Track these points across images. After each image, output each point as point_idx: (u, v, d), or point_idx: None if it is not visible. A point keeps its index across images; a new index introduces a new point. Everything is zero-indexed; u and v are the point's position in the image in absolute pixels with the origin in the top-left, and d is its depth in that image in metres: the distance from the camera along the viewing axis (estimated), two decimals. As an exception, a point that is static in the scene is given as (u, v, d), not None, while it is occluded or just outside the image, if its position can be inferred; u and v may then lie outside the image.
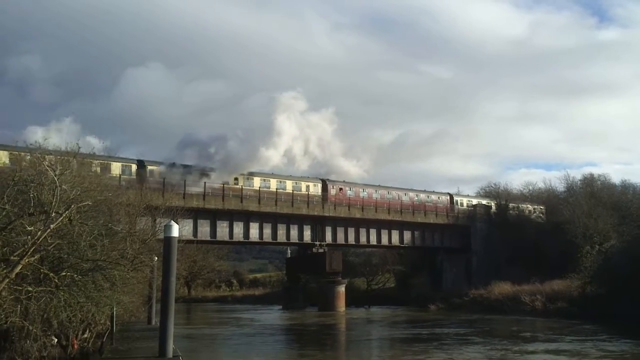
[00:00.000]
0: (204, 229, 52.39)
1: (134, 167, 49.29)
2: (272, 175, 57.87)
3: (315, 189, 59.91)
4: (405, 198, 66.60)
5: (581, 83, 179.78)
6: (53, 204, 13.71)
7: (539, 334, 33.85)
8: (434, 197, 70.03)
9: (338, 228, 61.72)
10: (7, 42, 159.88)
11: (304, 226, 59.41)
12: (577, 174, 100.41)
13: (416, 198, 67.84)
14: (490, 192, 79.46)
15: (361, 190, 63.36)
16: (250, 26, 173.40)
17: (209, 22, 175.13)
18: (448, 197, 71.75)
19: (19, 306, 13.92)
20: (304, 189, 58.72)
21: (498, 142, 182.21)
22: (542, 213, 72.39)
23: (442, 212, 68.28)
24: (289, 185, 57.74)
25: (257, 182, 55.43)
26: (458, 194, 73.77)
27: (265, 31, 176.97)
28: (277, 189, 56.04)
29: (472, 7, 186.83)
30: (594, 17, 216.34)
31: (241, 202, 52.64)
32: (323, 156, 65.57)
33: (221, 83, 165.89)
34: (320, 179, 61.78)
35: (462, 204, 71.36)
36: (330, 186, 61.14)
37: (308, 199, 57.46)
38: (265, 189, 55.31)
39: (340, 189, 61.65)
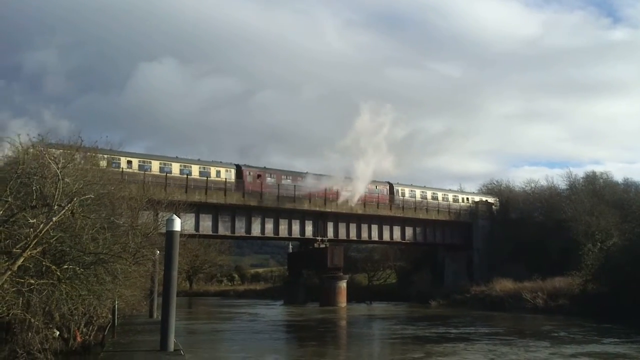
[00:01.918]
0: (206, 224, 52.50)
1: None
2: (176, 159, 51.62)
3: (228, 174, 53.64)
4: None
5: (588, 82, 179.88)
6: (55, 196, 13.72)
7: (571, 335, 32.14)
8: (370, 186, 62.68)
9: (340, 223, 61.79)
10: (25, 38, 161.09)
11: (306, 221, 59.48)
12: (579, 172, 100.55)
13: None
14: (492, 189, 79.40)
15: (284, 177, 57.73)
16: (261, 24, 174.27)
17: (220, 19, 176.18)
18: (387, 186, 66.12)
19: (21, 299, 13.93)
20: (213, 174, 52.60)
21: (504, 140, 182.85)
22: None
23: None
24: (195, 170, 51.78)
25: (175, 168, 50.27)
26: (399, 184, 67.47)
27: (276, 29, 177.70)
28: (180, 173, 50.17)
29: (481, 5, 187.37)
30: (608, 18, 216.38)
31: (243, 196, 52.70)
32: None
33: (231, 80, 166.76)
34: (235, 164, 55.56)
35: (404, 194, 66.76)
36: (246, 172, 55.24)
37: (310, 194, 57.39)
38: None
39: (259, 175, 55.96)
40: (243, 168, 55.24)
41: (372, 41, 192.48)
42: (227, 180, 52.87)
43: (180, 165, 50.94)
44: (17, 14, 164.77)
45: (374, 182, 62.98)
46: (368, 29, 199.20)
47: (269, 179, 56.16)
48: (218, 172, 53.23)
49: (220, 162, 54.75)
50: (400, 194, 65.80)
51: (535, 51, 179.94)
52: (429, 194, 68.83)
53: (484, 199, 73.39)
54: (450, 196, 71.26)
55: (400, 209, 63.87)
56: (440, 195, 70.00)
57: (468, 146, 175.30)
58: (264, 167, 57.36)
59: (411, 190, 67.09)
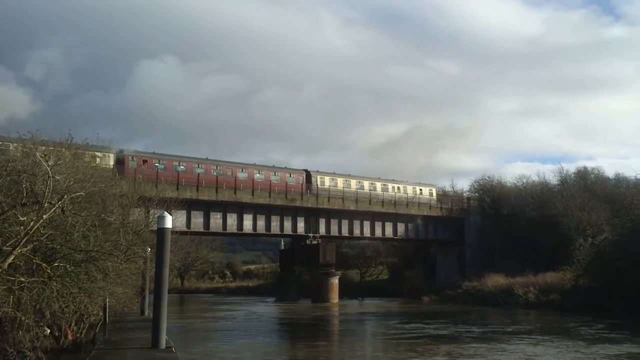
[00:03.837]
0: (198, 220, 52.48)
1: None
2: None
3: (106, 160, 44.53)
4: (244, 175, 56.24)
5: (585, 78, 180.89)
6: (46, 194, 13.64)
7: (596, 332, 31.52)
8: (281, 173, 59.76)
9: (332, 220, 61.84)
10: (27, 37, 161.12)
11: (298, 218, 59.50)
12: (571, 167, 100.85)
13: (274, 176, 58.70)
14: (483, 185, 79.53)
15: (176, 163, 52.12)
16: (262, 22, 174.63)
17: (221, 17, 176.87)
18: (304, 174, 61.93)
19: (12, 297, 13.86)
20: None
21: (502, 137, 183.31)
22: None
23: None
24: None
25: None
26: (318, 172, 63.41)
27: (277, 27, 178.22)
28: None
29: (480, 3, 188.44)
30: (609, 16, 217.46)
31: (235, 193, 52.64)
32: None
33: (232, 78, 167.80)
34: (119, 149, 49.53)
35: (323, 183, 62.23)
36: (128, 158, 49.27)
37: (302, 190, 57.37)
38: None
39: (144, 161, 50.21)
40: (125, 154, 49.51)
41: (373, 39, 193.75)
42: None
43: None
44: (20, 13, 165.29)
45: (287, 169, 61.36)
46: (368, 27, 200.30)
47: (158, 165, 50.48)
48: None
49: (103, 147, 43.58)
50: (318, 183, 61.78)
51: (535, 49, 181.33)
52: (353, 182, 64.68)
53: (420, 188, 71.30)
54: (379, 185, 67.26)
55: (392, 204, 63.91)
56: (366, 184, 65.84)
57: (467, 143, 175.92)
58: (153, 152, 52.44)
59: (332, 179, 63.42)
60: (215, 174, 53.55)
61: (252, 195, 53.78)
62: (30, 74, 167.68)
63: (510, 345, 26.33)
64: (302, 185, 59.86)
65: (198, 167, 53.07)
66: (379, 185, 66.59)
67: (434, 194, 72.10)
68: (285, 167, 61.49)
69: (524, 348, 25.50)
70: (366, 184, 65.58)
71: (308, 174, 61.93)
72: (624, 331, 30.91)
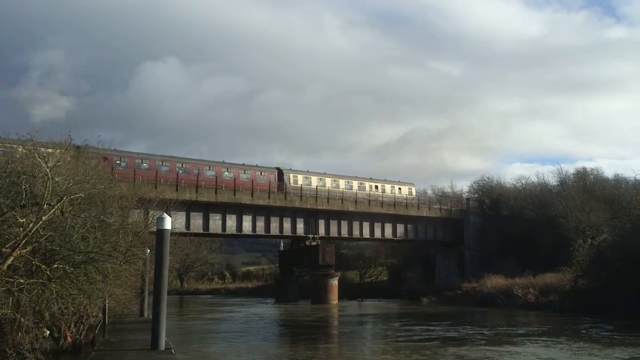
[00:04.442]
0: (197, 222, 52.43)
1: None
2: None
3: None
4: (211, 173, 54.27)
5: (586, 79, 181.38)
6: (45, 196, 13.65)
7: (608, 334, 30.95)
8: (251, 171, 57.48)
9: (331, 221, 61.81)
10: (31, 39, 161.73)
11: (297, 219, 59.46)
12: (570, 168, 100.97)
13: (243, 174, 56.66)
14: (483, 186, 79.55)
15: (139, 160, 50.01)
16: (264, 24, 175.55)
17: (223, 20, 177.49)
18: (275, 173, 59.85)
19: (11, 298, 13.87)
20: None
21: (501, 138, 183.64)
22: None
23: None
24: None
25: None
26: (291, 170, 62.03)
27: (279, 29, 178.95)
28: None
29: (481, 5, 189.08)
30: (612, 18, 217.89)
31: (234, 194, 52.64)
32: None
33: (234, 80, 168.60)
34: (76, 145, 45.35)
35: (296, 181, 60.48)
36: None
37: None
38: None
39: (105, 158, 45.76)
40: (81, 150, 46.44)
41: (374, 40, 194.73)
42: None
43: None
44: (24, 15, 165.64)
45: (258, 167, 59.16)
46: (370, 29, 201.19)
47: (119, 162, 48.27)
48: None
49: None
50: (291, 181, 59.95)
51: (536, 50, 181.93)
52: (328, 181, 62.86)
53: (399, 187, 69.60)
54: (355, 183, 65.19)
55: (391, 206, 63.92)
56: (342, 182, 64.12)
57: (468, 144, 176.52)
58: (114, 149, 49.53)
59: (306, 177, 61.50)
60: (180, 172, 51.04)
61: (252, 196, 53.74)
62: (33, 75, 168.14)
63: (522, 348, 25.89)
64: (273, 184, 57.91)
65: (162, 165, 50.88)
66: (355, 183, 65.02)
67: (414, 193, 70.95)
68: (257, 165, 59.72)
69: (536, 351, 25.11)
70: (342, 182, 64.09)
71: (280, 172, 60.29)
72: (635, 333, 30.47)
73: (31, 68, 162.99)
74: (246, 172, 56.84)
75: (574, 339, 29.17)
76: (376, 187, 66.50)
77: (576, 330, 33.10)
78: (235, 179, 54.40)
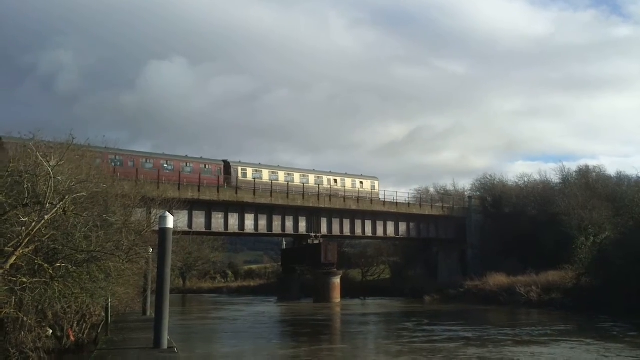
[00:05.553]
0: (199, 220, 52.43)
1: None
2: None
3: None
4: (149, 165, 50.79)
5: (590, 78, 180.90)
6: (47, 194, 13.64)
7: (635, 334, 30.54)
8: (194, 164, 54.32)
9: (333, 219, 61.77)
10: (38, 39, 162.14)
11: (299, 217, 59.43)
12: (572, 166, 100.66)
13: (185, 167, 53.15)
14: (485, 184, 79.43)
15: (112, 156, 47.54)
16: (269, 24, 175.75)
17: (228, 20, 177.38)
18: (222, 165, 56.49)
19: (14, 297, 13.88)
20: None
21: (507, 136, 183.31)
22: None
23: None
24: None
25: None
26: (241, 163, 58.74)
27: (285, 29, 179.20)
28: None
29: (486, 4, 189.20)
30: (620, 17, 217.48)
31: (236, 193, 52.63)
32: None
33: (240, 79, 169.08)
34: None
35: (245, 175, 57.49)
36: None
37: (303, 190, 57.25)
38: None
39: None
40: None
41: (379, 39, 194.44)
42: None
43: None
44: (30, 15, 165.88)
45: (202, 160, 55.74)
46: (375, 27, 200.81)
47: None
48: None
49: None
50: (240, 174, 56.92)
51: (541, 49, 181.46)
52: (281, 174, 59.89)
53: (361, 181, 66.82)
54: (312, 177, 62.61)
55: (394, 204, 63.90)
56: (297, 176, 61.47)
57: (473, 142, 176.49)
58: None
59: (256, 171, 58.43)
60: (112, 164, 45.90)
61: (254, 195, 53.69)
62: (41, 75, 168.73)
63: (551, 349, 25.26)
64: (219, 177, 55.02)
65: (115, 157, 47.77)
66: (312, 177, 62.69)
67: (377, 187, 68.19)
68: (201, 157, 56.86)
69: (564, 352, 24.55)
70: (297, 176, 61.67)
71: (227, 165, 56.95)
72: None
73: (38, 68, 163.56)
74: (188, 164, 53.66)
75: (599, 339, 28.24)
76: (335, 180, 64.34)
77: (597, 329, 32.53)
78: (179, 172, 51.35)
